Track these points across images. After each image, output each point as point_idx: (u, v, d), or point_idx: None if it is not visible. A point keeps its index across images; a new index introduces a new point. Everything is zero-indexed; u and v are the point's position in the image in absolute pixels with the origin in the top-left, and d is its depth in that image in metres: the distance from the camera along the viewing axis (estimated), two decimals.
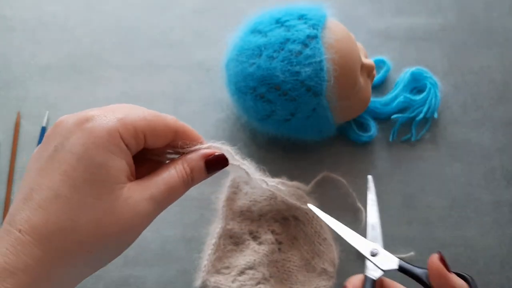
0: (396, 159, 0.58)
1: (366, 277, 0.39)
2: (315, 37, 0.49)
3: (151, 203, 0.29)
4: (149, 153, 0.33)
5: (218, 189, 0.56)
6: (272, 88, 0.50)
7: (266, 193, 0.54)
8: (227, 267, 0.52)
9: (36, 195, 0.27)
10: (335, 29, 0.51)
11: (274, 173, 0.55)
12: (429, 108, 0.59)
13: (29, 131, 0.60)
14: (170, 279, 0.54)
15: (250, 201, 0.53)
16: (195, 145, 0.33)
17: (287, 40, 0.49)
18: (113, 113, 0.29)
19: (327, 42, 0.49)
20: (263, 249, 0.52)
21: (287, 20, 0.51)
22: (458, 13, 0.65)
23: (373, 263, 0.39)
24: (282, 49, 0.49)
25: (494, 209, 0.56)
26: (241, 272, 0.51)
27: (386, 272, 0.39)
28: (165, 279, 0.54)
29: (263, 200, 0.53)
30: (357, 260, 0.54)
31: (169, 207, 0.56)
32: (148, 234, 0.55)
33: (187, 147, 0.33)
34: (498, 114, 0.61)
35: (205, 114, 0.61)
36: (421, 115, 0.58)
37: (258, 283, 0.50)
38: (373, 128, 0.58)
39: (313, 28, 0.49)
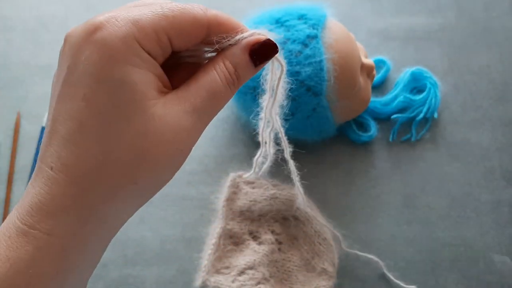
0: (396, 159, 0.59)
1: None
2: (315, 37, 0.49)
3: (194, 115, 0.25)
4: (181, 55, 0.28)
5: (218, 189, 0.56)
6: None
7: (267, 193, 0.54)
8: (227, 267, 0.52)
9: (60, 126, 0.23)
10: (335, 29, 0.51)
11: (273, 174, 0.55)
12: (429, 108, 0.59)
13: (29, 131, 0.60)
14: (169, 279, 0.54)
15: (250, 201, 0.53)
16: (234, 36, 0.27)
17: (287, 40, 0.49)
18: (126, 15, 0.24)
19: (327, 42, 0.49)
20: (263, 249, 0.52)
21: (287, 20, 0.51)
22: (458, 13, 0.65)
23: None
24: (282, 49, 0.49)
25: (494, 209, 0.56)
26: (241, 272, 0.51)
27: None
28: (164, 279, 0.54)
29: (263, 200, 0.53)
30: (357, 259, 0.54)
31: (168, 206, 0.56)
32: (147, 233, 0.55)
33: (226, 41, 0.27)
34: (497, 114, 0.61)
35: None
36: (421, 115, 0.58)
37: (258, 283, 0.50)
38: (373, 128, 0.58)
39: (313, 28, 0.49)
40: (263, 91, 0.33)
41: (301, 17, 0.51)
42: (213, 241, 0.52)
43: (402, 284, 0.53)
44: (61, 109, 0.24)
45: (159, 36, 0.24)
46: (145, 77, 0.24)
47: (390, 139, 0.59)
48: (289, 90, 0.49)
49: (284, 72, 0.31)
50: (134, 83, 0.23)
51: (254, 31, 0.27)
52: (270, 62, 0.29)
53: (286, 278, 0.53)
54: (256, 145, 0.59)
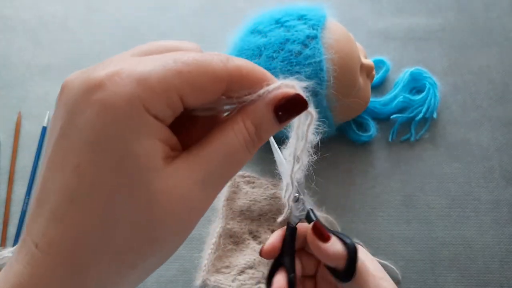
0: (395, 159, 0.59)
1: (287, 226, 0.40)
2: (314, 37, 0.49)
3: (206, 185, 0.22)
4: (195, 110, 0.24)
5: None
6: None
7: (267, 193, 0.54)
8: (227, 267, 0.52)
9: (48, 197, 0.21)
10: (335, 30, 0.51)
11: (273, 173, 0.56)
12: (428, 108, 0.59)
13: (30, 131, 0.60)
14: (170, 278, 0.54)
15: (250, 200, 0.54)
16: (258, 91, 0.23)
17: (287, 40, 0.49)
18: (132, 70, 0.20)
19: (327, 43, 0.49)
20: None
21: (287, 21, 0.51)
22: (458, 13, 0.65)
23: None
24: (282, 50, 0.49)
25: (493, 209, 0.56)
26: (241, 272, 0.51)
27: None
28: (165, 278, 0.54)
29: (263, 199, 0.54)
30: None
31: None
32: None
33: (248, 96, 0.23)
34: (497, 114, 0.61)
35: None
36: (420, 115, 0.59)
37: (258, 282, 0.51)
38: (373, 128, 0.58)
39: (313, 29, 0.50)
40: (287, 138, 0.30)
41: (301, 17, 0.51)
42: (213, 240, 0.52)
43: (399, 277, 0.53)
44: (50, 177, 0.21)
45: (170, 96, 0.21)
46: (149, 146, 0.20)
47: (390, 139, 0.59)
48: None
49: (314, 121, 0.28)
50: (137, 155, 0.20)
51: (282, 83, 0.24)
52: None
53: None
54: None
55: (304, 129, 0.28)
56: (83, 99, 0.20)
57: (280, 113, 0.23)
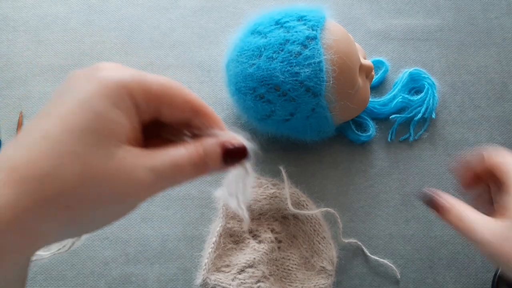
0: (394, 159, 0.59)
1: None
2: (314, 38, 0.49)
3: (151, 174, 0.25)
4: (163, 131, 0.30)
5: (218, 188, 0.56)
6: (271, 89, 0.50)
7: (266, 192, 0.54)
8: (227, 265, 0.52)
9: (28, 134, 0.24)
10: (334, 30, 0.51)
11: (273, 173, 0.56)
12: (427, 108, 0.59)
13: None
14: (171, 277, 0.54)
15: (250, 200, 0.54)
16: (214, 129, 0.29)
17: (287, 41, 0.50)
18: (129, 70, 0.26)
19: (326, 43, 0.50)
20: (262, 247, 0.52)
21: (287, 21, 0.51)
22: (456, 14, 0.66)
23: None
24: (282, 50, 0.50)
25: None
26: (241, 270, 0.52)
27: None
28: (166, 277, 0.54)
29: (263, 199, 0.54)
30: (356, 258, 0.55)
31: (169, 205, 0.57)
32: (149, 232, 0.56)
33: (205, 130, 0.29)
34: (495, 114, 0.61)
35: None
36: (419, 115, 0.59)
37: (258, 281, 0.51)
38: (372, 128, 0.59)
39: (312, 29, 0.50)
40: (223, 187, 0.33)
41: (301, 18, 0.51)
42: (214, 239, 0.52)
43: (398, 276, 0.54)
44: (37, 122, 0.24)
45: (151, 96, 0.26)
46: (122, 120, 0.25)
47: (389, 139, 0.60)
48: (289, 90, 0.50)
49: (249, 179, 0.32)
50: (111, 119, 0.24)
51: (233, 134, 0.29)
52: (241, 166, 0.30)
53: (286, 276, 0.53)
54: (256, 145, 0.60)
55: (240, 182, 0.32)
56: (84, 76, 0.25)
57: (226, 156, 0.28)
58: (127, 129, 0.25)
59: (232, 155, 0.29)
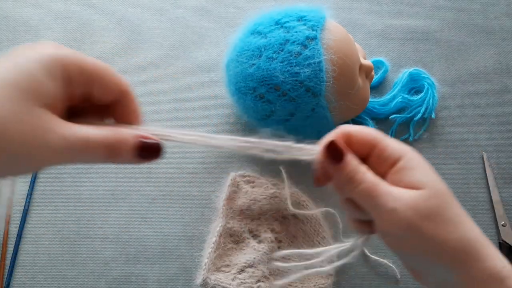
0: None
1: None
2: (314, 38, 0.50)
3: (62, 141, 0.27)
4: (91, 114, 0.32)
5: (218, 188, 0.56)
6: (271, 89, 0.50)
7: (266, 192, 0.54)
8: (227, 265, 0.52)
9: None
10: (334, 30, 0.51)
11: (273, 173, 0.56)
12: (426, 108, 0.59)
13: None
14: (171, 277, 0.55)
15: (250, 200, 0.54)
16: (135, 122, 0.32)
17: (287, 41, 0.50)
18: (69, 49, 0.29)
19: (326, 43, 0.50)
20: (262, 247, 0.52)
21: (287, 22, 0.51)
22: (456, 14, 0.66)
23: None
24: (282, 50, 0.50)
25: (491, 208, 0.57)
26: (241, 270, 0.52)
27: None
28: (166, 277, 0.55)
29: (263, 199, 0.54)
30: (356, 258, 0.55)
31: (170, 205, 0.57)
32: (149, 232, 0.56)
33: (128, 121, 0.32)
34: (495, 113, 0.61)
35: (205, 114, 0.61)
36: (419, 115, 0.59)
37: (258, 281, 0.51)
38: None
39: (312, 30, 0.50)
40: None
41: (301, 18, 0.51)
42: (214, 239, 0.52)
43: (398, 276, 0.54)
44: None
45: (84, 72, 0.29)
46: (50, 86, 0.27)
47: None
48: (289, 90, 0.50)
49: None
50: (38, 81, 0.27)
51: (153, 130, 0.31)
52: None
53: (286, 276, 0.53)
54: None
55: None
56: (27, 47, 0.28)
57: (141, 149, 0.30)
58: (54, 96, 0.28)
59: (146, 150, 0.30)
